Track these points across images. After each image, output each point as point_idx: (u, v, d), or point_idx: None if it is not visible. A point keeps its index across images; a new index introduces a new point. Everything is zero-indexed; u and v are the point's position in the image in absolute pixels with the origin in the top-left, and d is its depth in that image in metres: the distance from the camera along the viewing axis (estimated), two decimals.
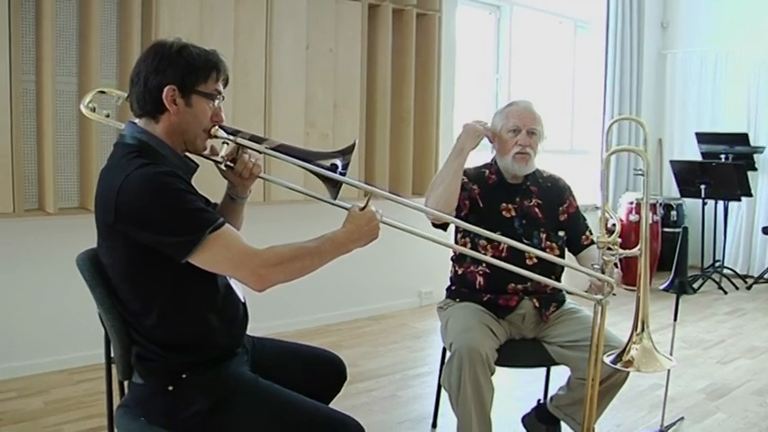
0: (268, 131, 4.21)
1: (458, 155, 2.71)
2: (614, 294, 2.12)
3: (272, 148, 1.83)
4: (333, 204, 1.85)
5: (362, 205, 1.84)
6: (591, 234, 2.82)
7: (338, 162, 1.80)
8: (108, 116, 2.12)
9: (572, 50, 7.04)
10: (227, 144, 1.89)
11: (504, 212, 2.72)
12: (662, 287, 3.05)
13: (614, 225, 2.12)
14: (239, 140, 1.85)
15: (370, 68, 4.81)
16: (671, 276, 3.02)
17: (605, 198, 2.24)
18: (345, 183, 1.80)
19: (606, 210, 2.17)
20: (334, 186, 1.80)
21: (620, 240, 2.12)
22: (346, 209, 1.84)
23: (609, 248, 2.11)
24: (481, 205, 2.73)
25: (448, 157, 2.74)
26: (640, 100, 7.26)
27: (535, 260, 2.64)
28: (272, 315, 4.42)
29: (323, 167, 1.80)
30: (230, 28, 4.04)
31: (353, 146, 1.83)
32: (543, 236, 2.72)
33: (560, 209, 2.81)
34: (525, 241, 2.64)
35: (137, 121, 1.79)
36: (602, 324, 2.20)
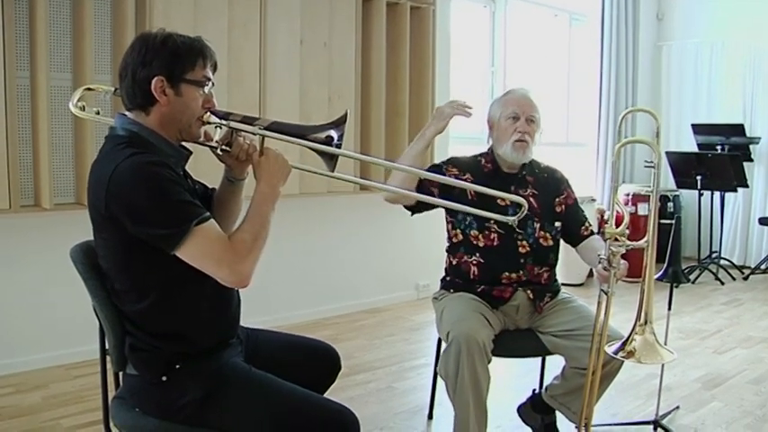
0: None
1: (418, 139, 2.72)
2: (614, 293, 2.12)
3: (265, 127, 1.83)
4: (331, 177, 1.86)
5: (260, 151, 1.85)
6: (590, 225, 2.81)
7: (333, 134, 1.81)
8: (98, 113, 2.10)
9: (567, 43, 7.04)
10: (221, 128, 1.87)
11: (498, 200, 2.65)
12: (656, 277, 3.05)
13: (623, 215, 2.12)
14: (232, 124, 1.84)
15: (364, 62, 4.81)
16: (664, 266, 3.04)
17: (615, 189, 2.23)
18: (342, 155, 1.81)
19: (615, 201, 2.17)
20: (330, 159, 1.82)
21: (628, 232, 2.11)
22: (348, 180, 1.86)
23: (616, 239, 2.11)
24: (472, 194, 2.68)
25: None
26: (636, 92, 7.28)
27: (528, 248, 2.65)
28: (269, 309, 4.44)
29: (318, 141, 1.81)
30: (224, 23, 4.04)
31: (346, 116, 1.84)
32: (537, 225, 2.70)
33: (557, 200, 2.80)
34: (519, 230, 2.65)
35: (127, 113, 1.78)
36: (606, 315, 2.21)
